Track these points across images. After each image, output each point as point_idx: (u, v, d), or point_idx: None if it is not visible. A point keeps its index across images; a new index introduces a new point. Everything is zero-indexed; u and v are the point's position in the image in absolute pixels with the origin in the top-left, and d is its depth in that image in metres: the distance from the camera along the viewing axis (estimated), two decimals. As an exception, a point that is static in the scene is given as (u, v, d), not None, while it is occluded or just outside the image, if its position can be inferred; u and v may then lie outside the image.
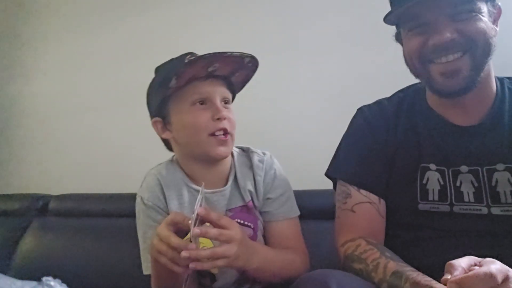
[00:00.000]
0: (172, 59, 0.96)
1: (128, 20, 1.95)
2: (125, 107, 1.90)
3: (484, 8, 0.79)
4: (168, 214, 0.93)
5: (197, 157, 0.94)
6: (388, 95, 1.04)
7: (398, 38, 0.89)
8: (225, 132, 0.90)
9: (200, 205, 0.76)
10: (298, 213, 1.01)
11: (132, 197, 1.61)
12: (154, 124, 0.99)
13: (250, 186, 0.97)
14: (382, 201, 0.89)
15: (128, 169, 1.84)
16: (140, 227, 0.98)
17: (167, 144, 1.01)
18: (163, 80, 0.91)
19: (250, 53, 0.91)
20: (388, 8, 0.88)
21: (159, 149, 1.79)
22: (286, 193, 1.00)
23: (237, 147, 1.05)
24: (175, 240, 0.74)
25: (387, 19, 0.84)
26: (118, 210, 1.58)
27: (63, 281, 1.31)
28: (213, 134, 0.90)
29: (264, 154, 1.02)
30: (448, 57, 0.79)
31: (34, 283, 1.29)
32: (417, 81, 0.97)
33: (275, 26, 1.67)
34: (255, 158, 0.99)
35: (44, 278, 1.29)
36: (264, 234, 0.99)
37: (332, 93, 1.56)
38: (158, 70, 0.99)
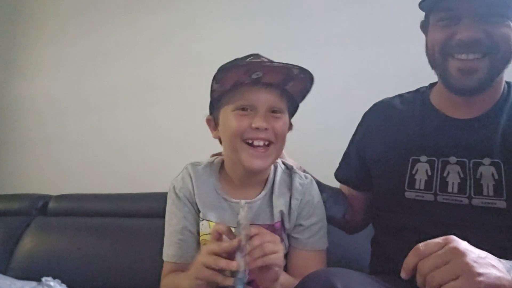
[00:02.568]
0: (236, 59, 0.92)
1: (127, 21, 1.95)
2: (125, 107, 1.90)
3: None
4: (194, 209, 0.95)
5: (234, 162, 0.93)
6: (390, 95, 1.06)
7: (424, 26, 0.92)
8: (265, 142, 0.87)
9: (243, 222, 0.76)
10: (326, 245, 0.96)
11: (132, 197, 1.62)
12: (207, 122, 0.98)
13: (283, 207, 0.94)
14: (359, 193, 1.06)
15: (128, 169, 1.84)
16: (168, 213, 0.98)
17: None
18: (211, 82, 0.90)
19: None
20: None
21: (159, 149, 1.80)
22: (319, 223, 0.96)
23: (283, 163, 1.03)
24: (225, 244, 0.74)
25: (422, 5, 0.88)
26: (118, 210, 1.58)
27: (63, 281, 1.31)
28: (248, 142, 0.87)
29: (306, 177, 0.99)
30: (469, 55, 0.81)
31: (34, 283, 1.29)
32: (420, 85, 1.00)
33: (276, 26, 1.67)
34: (297, 180, 0.97)
35: (44, 279, 1.29)
36: (286, 257, 0.95)
37: (333, 93, 1.56)
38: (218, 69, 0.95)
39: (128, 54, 1.93)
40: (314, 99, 1.67)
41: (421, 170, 0.88)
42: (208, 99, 0.96)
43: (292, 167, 1.01)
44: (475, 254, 0.59)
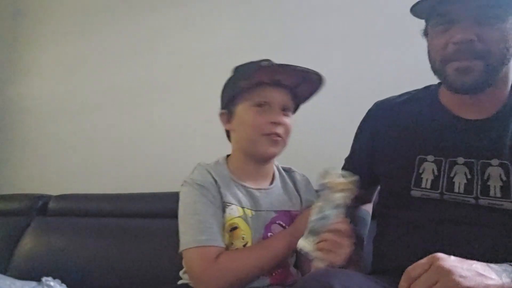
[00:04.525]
0: (252, 62, 1.04)
1: (128, 20, 1.95)
2: (125, 107, 1.90)
3: (510, 19, 0.81)
4: (218, 196, 0.99)
5: (248, 153, 1.03)
6: (390, 95, 1.05)
7: (426, 33, 0.92)
8: (277, 135, 0.99)
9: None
10: None
11: (132, 197, 1.62)
12: (221, 115, 1.07)
13: (297, 198, 1.07)
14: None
15: (128, 169, 1.84)
16: (190, 205, 0.98)
17: (229, 135, 1.09)
18: (237, 79, 1.02)
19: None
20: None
21: (159, 149, 1.80)
22: None
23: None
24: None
25: (415, 10, 0.88)
26: (118, 210, 1.58)
27: (63, 281, 1.31)
28: (265, 134, 0.98)
29: (303, 175, 1.12)
30: (465, 56, 0.81)
31: (33, 283, 1.29)
32: (420, 85, 1.00)
33: (276, 26, 1.67)
34: (297, 175, 1.11)
35: (44, 278, 1.29)
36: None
37: (333, 93, 1.55)
38: (237, 69, 1.07)
39: (129, 54, 1.93)
40: (314, 99, 1.67)
41: (428, 170, 0.88)
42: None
43: (290, 168, 1.13)
44: (461, 269, 0.61)
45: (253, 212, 1.00)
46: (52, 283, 1.27)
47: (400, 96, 1.02)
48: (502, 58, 0.82)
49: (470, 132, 0.87)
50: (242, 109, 1.01)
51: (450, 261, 0.62)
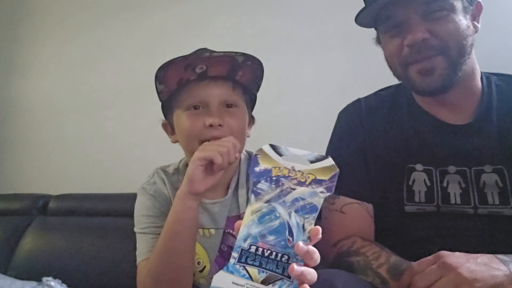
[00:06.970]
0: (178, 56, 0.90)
1: (129, 20, 1.95)
2: (125, 107, 1.90)
3: (458, 4, 0.78)
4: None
5: None
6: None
7: (378, 41, 0.90)
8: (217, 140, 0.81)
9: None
10: None
11: (132, 197, 1.62)
12: (163, 126, 0.96)
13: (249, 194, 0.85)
14: (370, 204, 0.88)
15: (128, 169, 1.84)
16: (140, 217, 0.91)
17: None
18: (156, 85, 0.87)
19: (252, 52, 0.85)
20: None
21: (158, 149, 1.80)
22: None
23: (246, 151, 0.99)
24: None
25: (359, 21, 0.85)
26: (118, 210, 1.58)
27: (63, 281, 1.31)
28: (203, 141, 0.83)
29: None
30: (423, 55, 0.78)
31: (34, 283, 1.29)
32: None
33: (276, 25, 1.67)
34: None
35: (44, 279, 1.29)
36: None
37: (334, 92, 1.56)
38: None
39: (128, 53, 1.93)
40: (314, 98, 1.68)
41: (419, 180, 0.83)
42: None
43: (252, 152, 0.95)
44: (468, 263, 0.60)
45: (213, 231, 0.89)
46: (52, 283, 1.27)
47: (371, 98, 0.95)
48: (462, 50, 0.78)
49: (457, 137, 0.83)
50: (177, 117, 0.87)
51: (455, 257, 0.61)
